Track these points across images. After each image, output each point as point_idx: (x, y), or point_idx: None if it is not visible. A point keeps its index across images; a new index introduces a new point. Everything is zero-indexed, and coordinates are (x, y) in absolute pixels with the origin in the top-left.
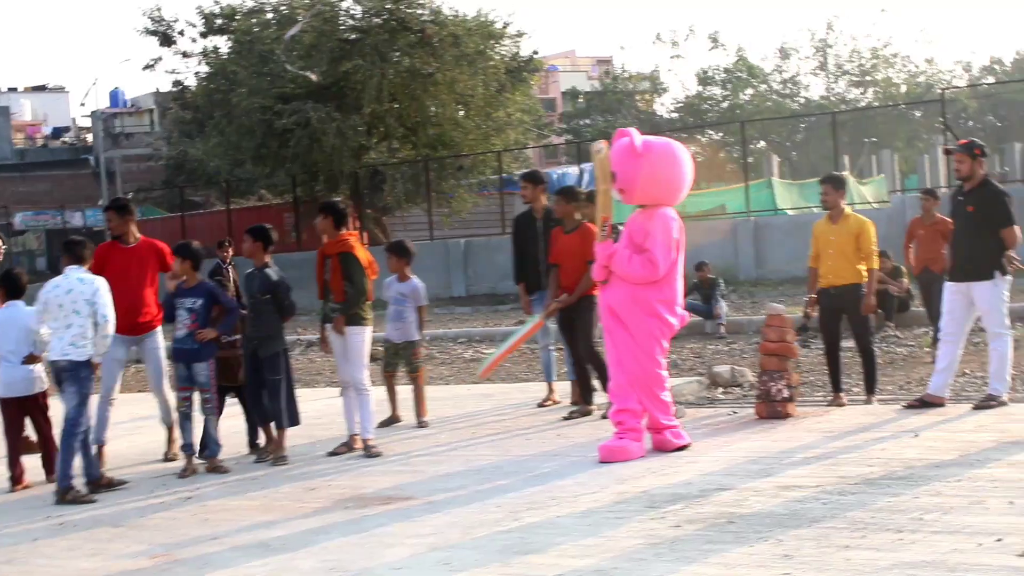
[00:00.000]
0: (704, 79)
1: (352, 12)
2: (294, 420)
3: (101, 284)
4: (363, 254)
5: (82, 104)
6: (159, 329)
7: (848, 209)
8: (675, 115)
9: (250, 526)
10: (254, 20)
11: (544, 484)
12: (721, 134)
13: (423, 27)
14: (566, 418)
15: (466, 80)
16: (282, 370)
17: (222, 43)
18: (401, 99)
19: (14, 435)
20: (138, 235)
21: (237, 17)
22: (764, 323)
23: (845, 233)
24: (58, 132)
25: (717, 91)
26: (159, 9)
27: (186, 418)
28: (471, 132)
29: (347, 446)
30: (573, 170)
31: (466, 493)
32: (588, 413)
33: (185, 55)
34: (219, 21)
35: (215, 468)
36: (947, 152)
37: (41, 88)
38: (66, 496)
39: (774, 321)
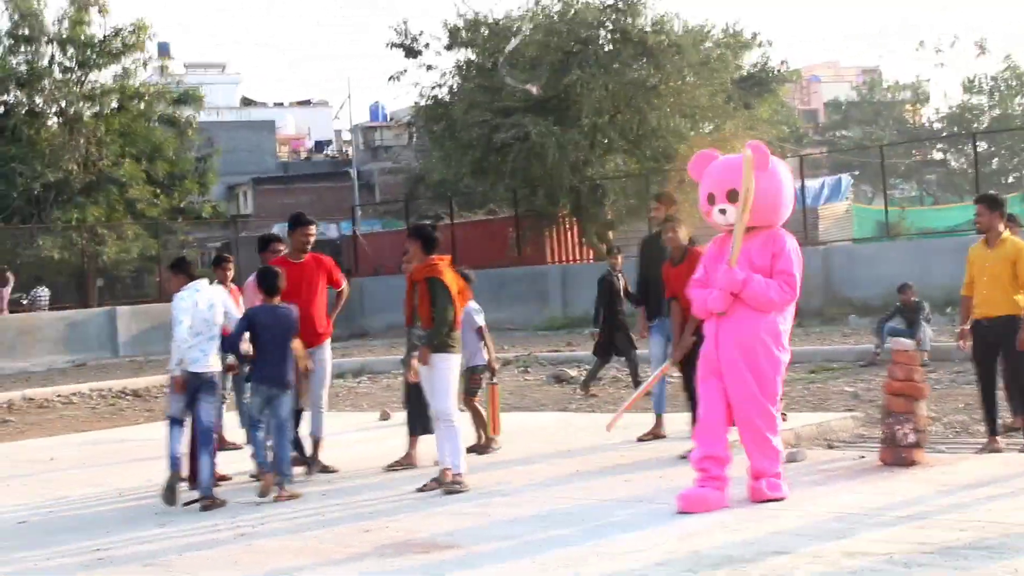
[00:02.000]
0: (969, 87)
1: (575, 23)
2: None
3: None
4: (452, 280)
5: (336, 118)
6: (327, 342)
7: (1007, 233)
8: (938, 124)
9: (274, 571)
10: (480, 32)
11: (602, 537)
12: (986, 145)
13: (646, 37)
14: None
15: (691, 91)
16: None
17: (464, 56)
18: (623, 111)
19: None
20: (308, 252)
21: (482, 29)
22: (891, 360)
23: (1001, 259)
24: (321, 145)
25: (984, 100)
26: (405, 22)
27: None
28: (697, 144)
29: (437, 481)
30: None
31: (516, 544)
32: None
33: (429, 68)
34: (464, 34)
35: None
36: None
37: (306, 103)
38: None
39: (900, 358)
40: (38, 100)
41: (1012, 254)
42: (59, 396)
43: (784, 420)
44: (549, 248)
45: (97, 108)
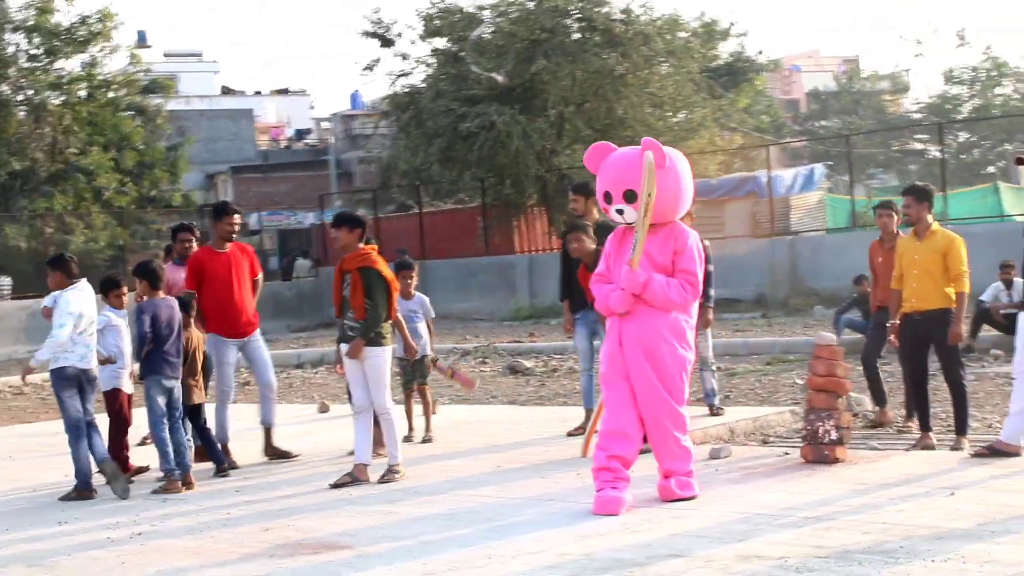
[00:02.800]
0: (950, 78)
1: (541, 11)
2: None
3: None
4: (386, 270)
5: (311, 107)
6: (258, 331)
7: (936, 225)
8: (918, 115)
9: (158, 572)
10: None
11: (501, 538)
12: (967, 135)
13: (612, 26)
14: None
15: (659, 80)
16: None
17: (440, 44)
18: (590, 100)
19: None
20: (231, 241)
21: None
22: (813, 354)
23: (932, 251)
24: (300, 134)
25: (964, 90)
26: (378, 11)
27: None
28: (664, 134)
29: (352, 476)
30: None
31: (411, 545)
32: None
33: (404, 57)
34: (436, 23)
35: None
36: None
37: (285, 91)
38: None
39: (822, 352)
40: (4, 88)
41: (943, 246)
42: (10, 387)
43: (720, 414)
44: (517, 238)
45: (64, 97)
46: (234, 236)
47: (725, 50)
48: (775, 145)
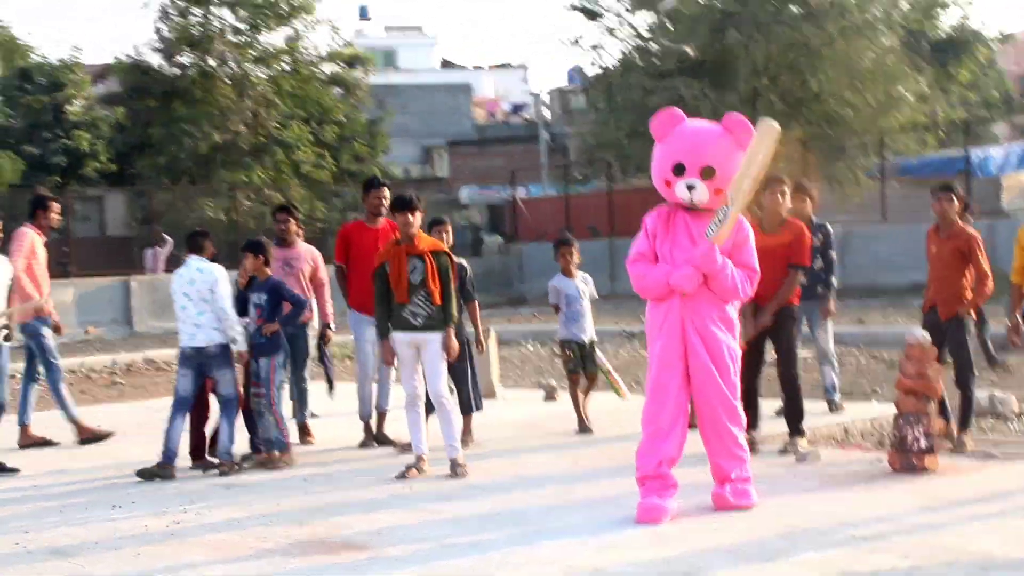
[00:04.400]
0: None
1: None
2: (479, 405)
3: (220, 273)
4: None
5: (524, 81)
6: None
7: None
8: None
9: (167, 567)
10: None
11: (521, 545)
12: None
13: None
14: None
15: (855, 53)
16: (467, 356)
17: (647, 18)
18: (783, 74)
19: None
20: (383, 217)
21: None
22: (904, 354)
23: None
24: (517, 108)
25: None
26: None
27: (258, 415)
28: (861, 110)
29: (417, 468)
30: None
31: (430, 548)
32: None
33: (610, 31)
34: None
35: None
36: None
37: (504, 66)
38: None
39: (913, 352)
40: (210, 62)
41: None
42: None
43: (839, 411)
44: None
45: (268, 70)
46: (383, 211)
47: (946, 22)
48: (979, 122)
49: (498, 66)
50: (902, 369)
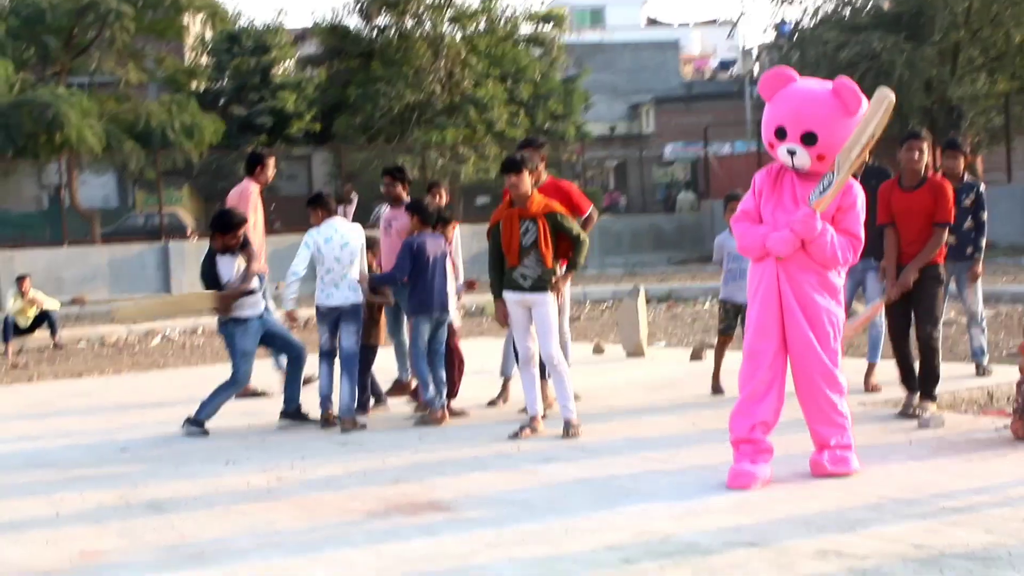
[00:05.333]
0: None
1: None
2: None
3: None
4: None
5: (728, 37)
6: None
7: None
8: None
9: (251, 524)
10: None
11: (600, 511)
12: None
13: None
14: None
15: None
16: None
17: None
18: (985, 27)
19: None
20: (546, 175)
21: None
22: None
23: None
24: (725, 65)
25: None
26: None
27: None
28: None
29: (531, 428)
30: None
31: (510, 511)
32: (915, 413)
33: None
34: None
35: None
36: None
37: (711, 22)
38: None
39: None
40: (407, 22)
41: None
42: None
43: (987, 375)
44: None
45: (463, 30)
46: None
47: None
48: None
49: (706, 22)
50: None
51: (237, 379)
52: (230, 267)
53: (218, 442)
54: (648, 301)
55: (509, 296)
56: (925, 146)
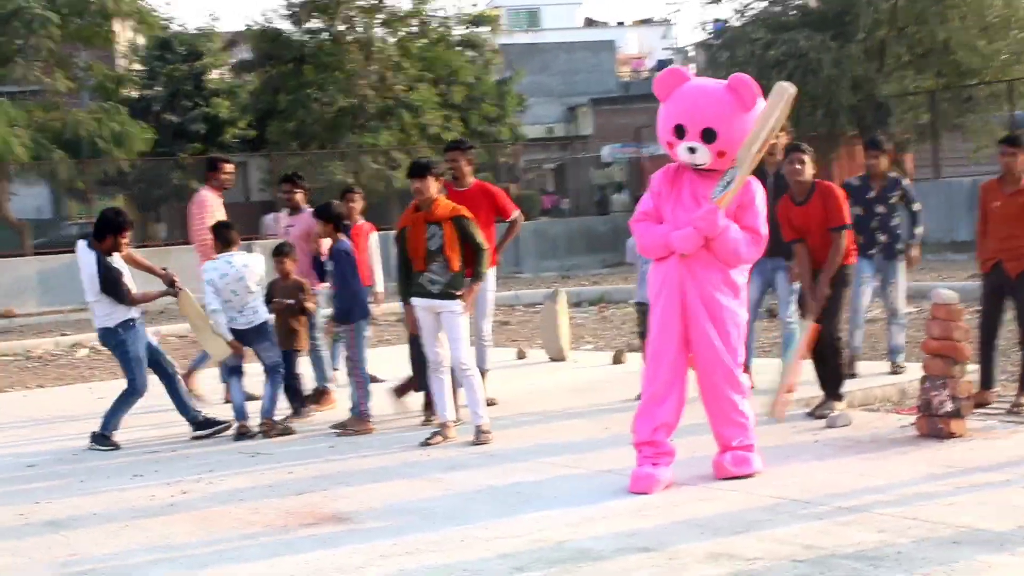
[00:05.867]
0: None
1: None
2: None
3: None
4: None
5: (663, 37)
6: (491, 271)
7: None
8: None
9: (148, 540)
10: None
11: (499, 519)
12: None
13: None
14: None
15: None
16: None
17: None
18: (910, 25)
19: None
20: (472, 179)
21: None
22: (931, 315)
23: None
24: (662, 64)
25: None
26: None
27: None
28: (992, 60)
29: (442, 435)
30: None
31: (410, 520)
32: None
33: None
34: None
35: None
36: None
37: (647, 21)
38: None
39: (939, 313)
40: (338, 26)
41: None
42: None
43: (900, 372)
44: (837, 170)
45: (394, 33)
46: (462, 173)
47: None
48: None
49: (641, 22)
50: (928, 331)
51: (135, 387)
52: (123, 266)
53: (128, 456)
54: (579, 304)
55: (417, 302)
56: (807, 158)
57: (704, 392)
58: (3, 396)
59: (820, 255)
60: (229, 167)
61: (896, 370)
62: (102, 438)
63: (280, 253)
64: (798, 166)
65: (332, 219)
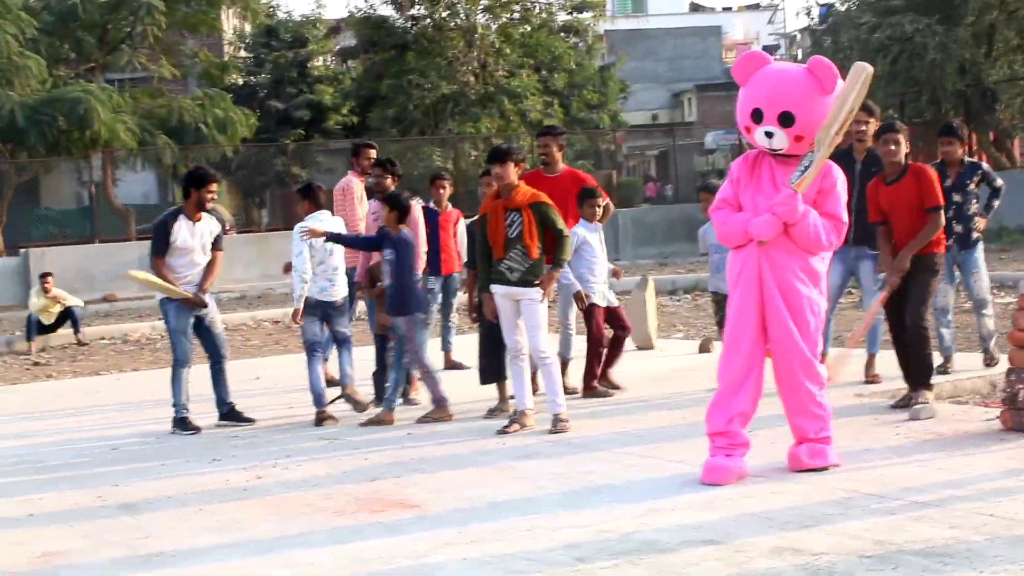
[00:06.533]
0: None
1: None
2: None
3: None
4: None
5: (769, 22)
6: None
7: None
8: None
9: (219, 523)
10: None
11: (567, 509)
12: None
13: None
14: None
15: None
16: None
17: None
18: (1018, 8)
19: None
20: (563, 165)
21: None
22: (1017, 305)
23: None
24: (768, 50)
25: None
26: None
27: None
28: None
29: (520, 423)
30: None
31: (474, 509)
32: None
33: None
34: None
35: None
36: None
37: (754, 7)
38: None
39: None
40: (441, 12)
41: None
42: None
43: (993, 364)
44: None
45: (496, 19)
46: (552, 160)
47: None
48: None
49: (748, 7)
50: (1015, 322)
51: (175, 357)
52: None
53: (209, 440)
54: (673, 292)
55: (496, 289)
56: (901, 137)
57: (781, 382)
58: (97, 379)
59: (904, 238)
60: (372, 152)
61: (989, 362)
62: (180, 422)
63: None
64: (893, 147)
65: (397, 207)
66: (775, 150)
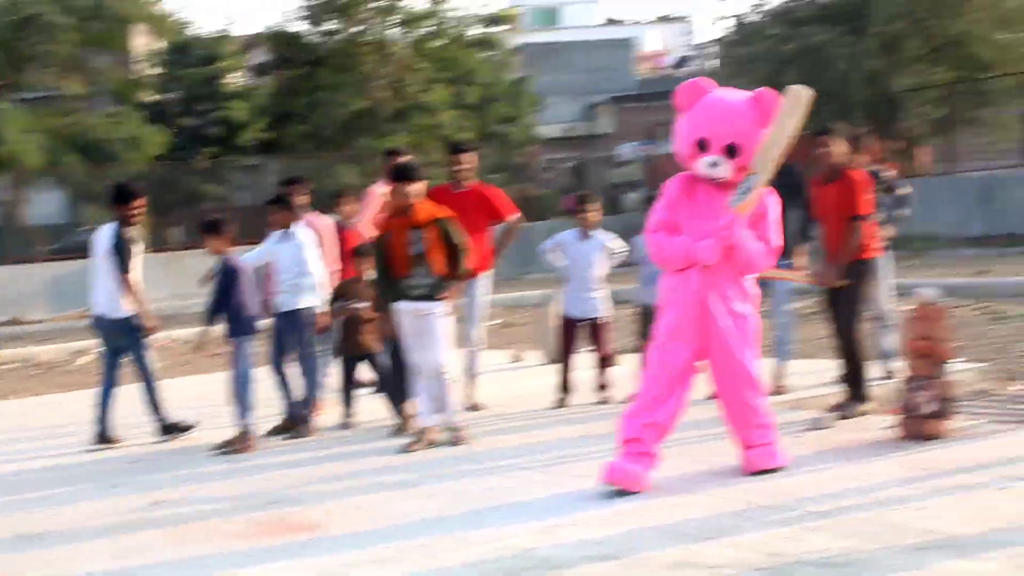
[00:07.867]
0: None
1: None
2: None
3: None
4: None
5: (689, 33)
6: (482, 276)
7: None
8: None
9: (122, 548)
10: None
11: (468, 528)
12: None
13: None
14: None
15: None
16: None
17: None
18: (923, 18)
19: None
20: (472, 181)
21: None
22: (913, 315)
23: None
24: (681, 62)
25: None
26: None
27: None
28: (1011, 52)
29: (421, 440)
30: None
31: (375, 529)
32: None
33: None
34: None
35: None
36: None
37: (666, 19)
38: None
39: (922, 312)
40: (353, 28)
41: None
42: None
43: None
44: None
45: (410, 34)
46: (464, 176)
47: None
48: None
49: (661, 19)
50: (910, 330)
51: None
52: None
53: (110, 465)
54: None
55: (401, 306)
56: (833, 140)
57: (725, 397)
58: (3, 404)
59: (832, 242)
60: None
61: (890, 375)
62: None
63: (361, 254)
64: (822, 149)
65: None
66: (718, 179)
